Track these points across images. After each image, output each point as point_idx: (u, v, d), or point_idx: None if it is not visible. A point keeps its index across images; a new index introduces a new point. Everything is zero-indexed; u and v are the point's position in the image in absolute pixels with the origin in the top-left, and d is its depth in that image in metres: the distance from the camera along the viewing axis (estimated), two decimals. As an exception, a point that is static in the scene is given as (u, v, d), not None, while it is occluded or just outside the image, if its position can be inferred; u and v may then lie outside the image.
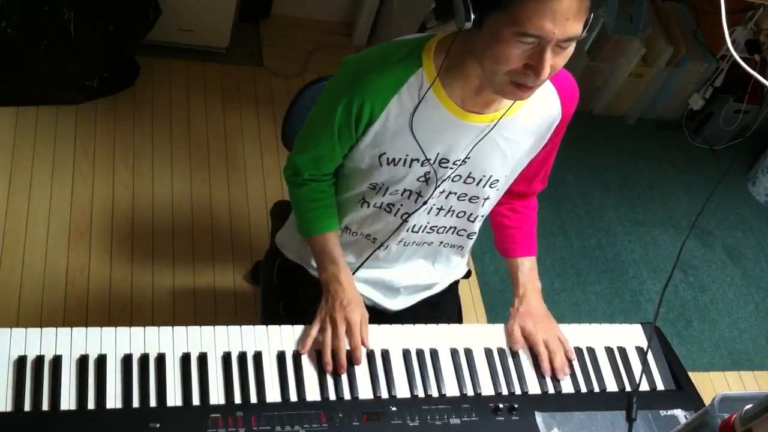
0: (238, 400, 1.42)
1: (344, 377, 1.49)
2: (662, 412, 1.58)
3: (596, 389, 1.61)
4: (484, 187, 1.60)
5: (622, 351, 1.69)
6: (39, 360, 1.38)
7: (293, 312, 1.78)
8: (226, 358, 1.46)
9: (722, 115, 3.49)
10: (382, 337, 1.58)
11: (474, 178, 1.58)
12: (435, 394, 1.52)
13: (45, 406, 1.33)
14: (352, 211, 1.68)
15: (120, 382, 1.39)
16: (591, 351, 1.67)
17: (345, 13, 3.49)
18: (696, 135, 3.66)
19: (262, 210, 2.79)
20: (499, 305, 2.73)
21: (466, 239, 1.74)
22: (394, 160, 1.53)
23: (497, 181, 1.60)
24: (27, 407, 1.33)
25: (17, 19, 2.50)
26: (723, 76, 3.40)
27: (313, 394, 1.46)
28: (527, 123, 1.53)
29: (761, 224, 3.44)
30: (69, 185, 2.66)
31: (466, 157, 1.53)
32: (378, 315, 1.81)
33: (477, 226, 1.71)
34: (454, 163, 1.53)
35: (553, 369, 1.60)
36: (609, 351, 1.68)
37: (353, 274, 1.74)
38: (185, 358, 1.44)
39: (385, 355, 1.55)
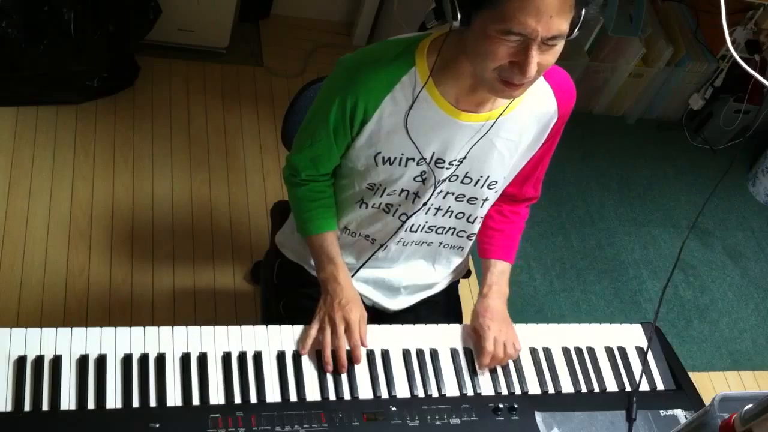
0: (238, 400, 1.42)
1: (344, 377, 1.49)
2: (662, 412, 1.58)
3: (596, 389, 1.61)
4: (482, 188, 1.60)
5: (622, 351, 1.69)
6: (39, 360, 1.38)
7: (293, 312, 1.78)
8: (226, 358, 1.46)
9: (722, 115, 3.49)
10: (382, 337, 1.58)
11: (471, 179, 1.58)
12: (435, 394, 1.52)
13: (45, 406, 1.33)
14: (350, 211, 1.68)
15: (120, 382, 1.39)
16: (591, 351, 1.67)
17: (345, 13, 3.49)
18: (696, 135, 3.66)
19: (262, 210, 2.79)
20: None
21: (466, 240, 1.74)
22: (389, 159, 1.53)
23: (495, 182, 1.60)
24: (27, 407, 1.33)
25: (17, 19, 2.50)
26: (723, 76, 3.40)
27: (313, 394, 1.46)
28: (524, 123, 1.53)
29: (761, 224, 3.44)
30: (69, 185, 2.66)
31: (463, 158, 1.53)
32: (378, 315, 1.81)
33: (476, 227, 1.71)
34: (450, 163, 1.53)
35: (487, 368, 1.58)
36: (609, 351, 1.68)
37: (353, 275, 1.75)
38: (185, 358, 1.44)
39: (385, 355, 1.55)
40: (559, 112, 1.56)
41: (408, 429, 1.44)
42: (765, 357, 2.98)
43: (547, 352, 1.64)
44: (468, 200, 1.63)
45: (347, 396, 1.47)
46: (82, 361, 1.39)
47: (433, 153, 1.52)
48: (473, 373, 1.57)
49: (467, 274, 1.95)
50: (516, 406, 1.51)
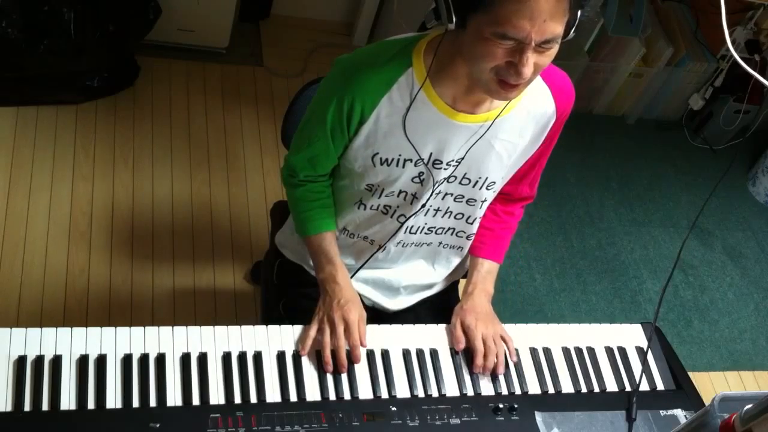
0: (238, 400, 1.42)
1: (344, 377, 1.49)
2: (662, 412, 1.58)
3: (596, 389, 1.61)
4: (480, 189, 1.60)
5: (622, 351, 1.69)
6: (39, 360, 1.38)
7: (293, 312, 1.78)
8: (226, 358, 1.46)
9: (722, 115, 3.49)
10: (382, 337, 1.58)
11: (470, 180, 1.58)
12: (435, 394, 1.52)
13: (45, 406, 1.33)
14: (349, 213, 1.68)
15: (120, 382, 1.39)
16: (591, 351, 1.67)
17: (345, 13, 3.49)
18: (696, 135, 3.66)
19: (262, 210, 2.79)
20: (499, 305, 2.73)
21: (465, 240, 1.74)
22: (387, 160, 1.53)
23: (494, 183, 1.60)
24: (27, 407, 1.33)
25: (17, 19, 2.50)
26: (723, 76, 3.40)
27: (313, 394, 1.46)
28: (521, 123, 1.53)
29: (761, 224, 3.44)
30: (69, 185, 2.66)
31: (461, 158, 1.53)
32: (378, 315, 1.81)
33: (476, 228, 1.71)
34: (447, 164, 1.53)
35: (486, 367, 1.57)
36: (609, 351, 1.68)
37: (353, 275, 1.75)
38: (185, 358, 1.44)
39: (385, 355, 1.55)
40: (557, 113, 1.56)
41: (408, 429, 1.44)
42: (765, 357, 2.98)
43: (547, 352, 1.64)
44: (467, 201, 1.63)
45: (347, 396, 1.47)
46: (82, 361, 1.39)
47: (431, 154, 1.52)
48: (473, 373, 1.57)
49: (467, 274, 1.95)
50: (516, 406, 1.51)
